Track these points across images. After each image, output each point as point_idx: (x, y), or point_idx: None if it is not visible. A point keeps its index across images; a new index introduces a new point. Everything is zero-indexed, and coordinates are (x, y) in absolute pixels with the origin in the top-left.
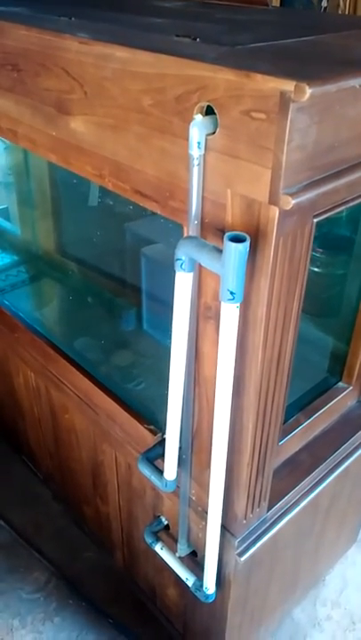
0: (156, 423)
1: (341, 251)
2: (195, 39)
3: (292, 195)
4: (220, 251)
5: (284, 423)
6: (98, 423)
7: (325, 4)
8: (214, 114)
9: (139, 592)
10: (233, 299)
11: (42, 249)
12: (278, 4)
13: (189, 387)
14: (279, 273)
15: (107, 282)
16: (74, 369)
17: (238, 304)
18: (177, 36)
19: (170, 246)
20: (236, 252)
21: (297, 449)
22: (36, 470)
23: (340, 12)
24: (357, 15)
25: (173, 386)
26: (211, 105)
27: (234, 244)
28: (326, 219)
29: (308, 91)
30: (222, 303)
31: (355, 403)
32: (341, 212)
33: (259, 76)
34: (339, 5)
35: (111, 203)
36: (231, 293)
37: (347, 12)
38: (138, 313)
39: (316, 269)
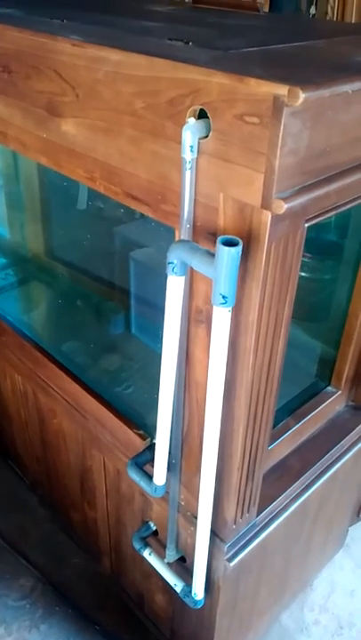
0: (145, 428)
1: (329, 256)
2: (187, 43)
3: (285, 199)
4: (212, 254)
5: (273, 427)
6: (86, 428)
7: (314, 12)
8: (207, 117)
9: (126, 598)
10: (225, 303)
11: (30, 252)
12: (268, 11)
13: (180, 391)
14: (271, 277)
15: (95, 285)
16: (62, 373)
17: (230, 308)
18: (170, 39)
19: (159, 250)
20: (228, 256)
21: (286, 453)
22: (22, 475)
23: (328, 17)
24: (346, 22)
25: (164, 390)
26: (204, 108)
27: (227, 248)
28: (316, 224)
29: (302, 95)
30: (214, 307)
31: (343, 407)
32: (330, 217)
33: (252, 81)
34: (327, 13)
35: (100, 206)
36: (223, 297)
37: (335, 19)
38: (126, 317)
39: (304, 274)
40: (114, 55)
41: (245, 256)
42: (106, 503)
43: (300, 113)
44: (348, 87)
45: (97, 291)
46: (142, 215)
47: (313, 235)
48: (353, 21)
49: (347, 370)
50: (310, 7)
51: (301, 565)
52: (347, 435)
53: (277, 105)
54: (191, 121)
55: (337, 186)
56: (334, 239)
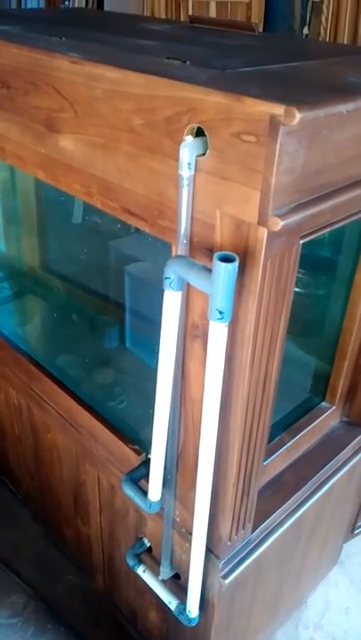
0: (140, 442)
1: (322, 271)
2: (185, 62)
3: (281, 216)
4: (209, 270)
5: (268, 443)
6: (80, 442)
7: (307, 32)
8: (205, 135)
9: (119, 616)
10: (222, 318)
11: (25, 265)
12: (262, 31)
13: (175, 406)
14: (267, 293)
15: (90, 299)
16: (57, 387)
17: (227, 323)
18: (167, 58)
19: (154, 264)
20: (225, 272)
21: (281, 469)
22: (15, 490)
23: (320, 39)
24: (339, 43)
25: (159, 405)
26: (201, 127)
27: (223, 264)
28: (310, 240)
29: (298, 115)
30: (211, 322)
31: (337, 422)
32: (324, 233)
33: (249, 100)
34: (320, 34)
35: (96, 220)
36: (220, 313)
37: (328, 40)
38: (121, 330)
39: (297, 289)
40: (112, 73)
41: (242, 272)
42: (99, 519)
43: (297, 132)
44: (342, 107)
45: (92, 304)
46: (137, 229)
47: (307, 251)
48: (345, 42)
49: (341, 385)
50: (303, 27)
51: (296, 582)
52: (341, 450)
53: (274, 124)
54: (189, 139)
55: (332, 204)
56: (328, 255)
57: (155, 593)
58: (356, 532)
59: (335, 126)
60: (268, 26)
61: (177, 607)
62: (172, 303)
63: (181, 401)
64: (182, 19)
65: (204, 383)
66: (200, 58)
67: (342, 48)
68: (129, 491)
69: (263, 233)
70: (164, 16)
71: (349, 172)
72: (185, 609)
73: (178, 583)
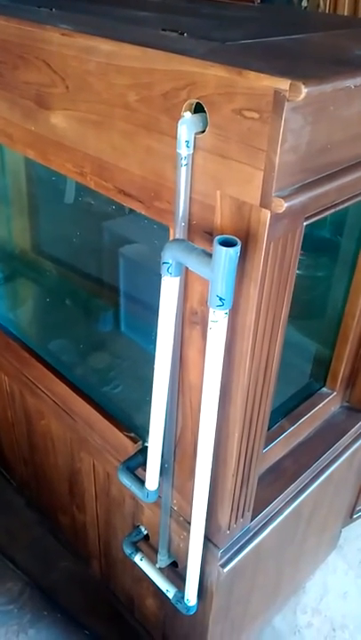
0: (135, 430)
1: (323, 253)
2: (182, 34)
3: (285, 198)
4: (208, 254)
5: (268, 430)
6: (75, 430)
7: (306, 4)
8: (204, 112)
9: (116, 602)
10: (222, 305)
11: (16, 247)
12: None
13: (173, 394)
14: (269, 278)
15: (84, 282)
16: (50, 373)
17: (227, 310)
18: (163, 30)
19: (150, 246)
20: (226, 257)
21: (281, 456)
22: (9, 477)
23: (320, 10)
24: (341, 15)
25: (157, 393)
26: (200, 102)
27: (225, 249)
28: (314, 222)
29: (304, 90)
30: (211, 309)
31: (338, 408)
32: (328, 215)
33: (252, 74)
34: (319, 6)
35: (89, 200)
36: (220, 299)
37: (327, 11)
38: (116, 314)
39: (297, 271)
40: (105, 45)
41: (243, 256)
42: (95, 506)
43: (302, 108)
44: (350, 82)
45: (86, 288)
46: (132, 210)
47: (307, 231)
48: (345, 14)
49: (342, 370)
50: (302, 0)
51: (294, 568)
52: (342, 436)
53: (278, 100)
54: (187, 115)
55: (338, 184)
56: (328, 236)
57: (152, 581)
58: (355, 516)
59: (342, 102)
60: None
61: (175, 595)
62: (169, 289)
63: (179, 388)
64: None
65: (204, 371)
66: (198, 30)
67: (346, 20)
68: (125, 480)
69: (266, 215)
70: None
71: (357, 150)
72: (183, 597)
73: (175, 571)
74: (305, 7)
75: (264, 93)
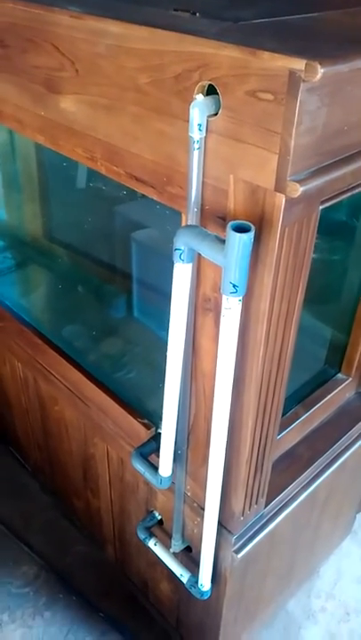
0: (149, 415)
1: (337, 236)
2: (194, 14)
3: (300, 182)
4: (222, 241)
5: (282, 416)
6: (89, 416)
7: None
8: (216, 94)
9: (130, 586)
10: (236, 292)
11: (28, 233)
12: None
13: (186, 380)
14: (283, 264)
15: (96, 268)
16: (63, 360)
17: (241, 297)
18: (175, 10)
19: (162, 231)
20: (240, 243)
21: (295, 442)
22: (23, 462)
23: None
24: None
25: (170, 380)
26: (213, 84)
27: (238, 235)
28: (330, 206)
29: (321, 70)
30: (224, 296)
31: (353, 394)
32: (344, 198)
33: (266, 54)
34: None
35: (101, 184)
36: (234, 286)
37: None
38: (128, 299)
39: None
40: (115, 27)
41: (257, 242)
42: (109, 491)
43: (318, 89)
44: None
45: (98, 273)
46: (144, 194)
47: (322, 214)
48: None
49: (358, 356)
50: None
51: (308, 553)
52: (357, 422)
53: (294, 80)
54: (199, 97)
55: (355, 167)
56: (343, 219)
57: (166, 565)
58: None
59: (359, 82)
60: None
61: (189, 580)
62: (182, 276)
63: (192, 375)
64: None
65: (217, 358)
66: (210, 9)
67: None
68: (139, 466)
69: (281, 200)
70: None
71: None
72: (197, 582)
73: (189, 556)
74: None
75: (279, 74)
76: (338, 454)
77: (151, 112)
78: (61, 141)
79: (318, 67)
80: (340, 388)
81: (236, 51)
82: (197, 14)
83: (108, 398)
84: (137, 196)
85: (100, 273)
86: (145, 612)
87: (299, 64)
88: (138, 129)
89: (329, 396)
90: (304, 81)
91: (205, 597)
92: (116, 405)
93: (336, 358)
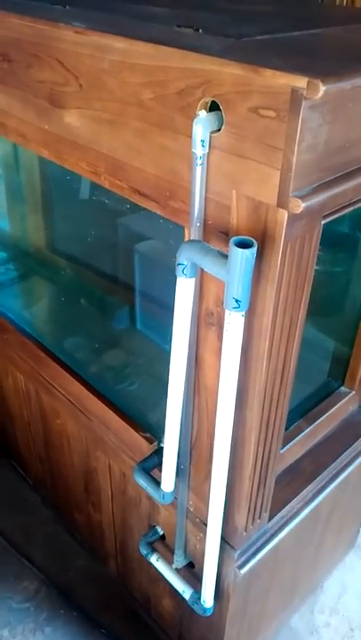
0: (151, 429)
1: (340, 248)
2: (197, 30)
3: (302, 197)
4: (225, 256)
5: (285, 430)
6: (91, 429)
7: None
8: (219, 110)
9: (132, 601)
10: (238, 307)
11: (31, 245)
12: None
13: (189, 395)
14: (286, 279)
15: (99, 279)
16: (65, 372)
17: (244, 312)
18: (178, 26)
19: (165, 243)
20: (242, 259)
21: (298, 456)
22: (25, 475)
23: (338, 2)
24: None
25: (172, 394)
26: (216, 101)
27: (241, 250)
28: (332, 220)
29: (322, 88)
30: (227, 311)
31: (357, 408)
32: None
33: (268, 72)
34: None
35: (104, 196)
36: (237, 301)
37: (345, 4)
38: (131, 311)
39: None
40: (119, 43)
41: (260, 257)
42: (111, 506)
43: (320, 106)
44: None
45: (101, 285)
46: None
47: (325, 226)
48: None
49: None
50: None
51: (312, 568)
52: (360, 436)
53: (296, 98)
54: (202, 114)
55: (357, 182)
56: (346, 231)
57: (168, 582)
58: None
59: None
60: None
61: (191, 596)
62: (185, 290)
63: (195, 390)
64: None
65: (220, 373)
66: (213, 25)
67: None
68: (141, 481)
69: (283, 215)
70: None
71: None
72: (199, 598)
73: (192, 572)
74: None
75: (281, 92)
76: (341, 468)
77: (154, 127)
78: (65, 155)
79: (320, 84)
80: (343, 401)
81: (239, 68)
82: (200, 30)
83: (110, 411)
84: (140, 208)
85: (103, 285)
86: (147, 629)
87: (301, 82)
88: (141, 144)
89: (332, 410)
90: (306, 98)
91: (208, 614)
92: (118, 419)
93: (339, 371)
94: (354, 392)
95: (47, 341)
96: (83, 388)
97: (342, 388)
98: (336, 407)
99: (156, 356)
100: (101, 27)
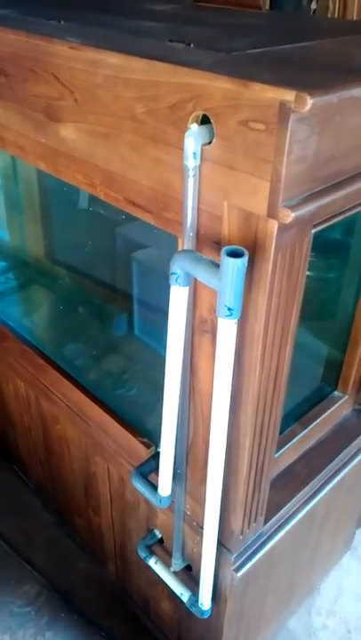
0: (148, 434)
1: (333, 254)
2: (189, 44)
3: (292, 208)
4: (216, 265)
5: (279, 434)
6: (90, 434)
7: (315, 7)
8: (210, 123)
9: (132, 604)
10: (230, 315)
11: (30, 254)
12: (268, 6)
13: (184, 401)
14: (277, 288)
15: (97, 287)
16: (64, 379)
17: (236, 320)
18: (170, 41)
19: (162, 250)
20: (234, 268)
21: (293, 460)
22: (26, 480)
23: (329, 14)
24: (350, 20)
25: (168, 400)
26: (207, 114)
27: (232, 260)
28: (323, 229)
29: (310, 101)
30: (219, 319)
31: (350, 412)
32: (337, 222)
33: (257, 85)
34: (328, 8)
35: (102, 205)
36: (229, 309)
37: (336, 15)
38: (129, 318)
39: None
40: (112, 58)
41: (251, 266)
42: (110, 509)
43: (308, 119)
44: (357, 91)
45: (99, 292)
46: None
47: (317, 233)
48: (355, 17)
49: (354, 374)
50: (311, 2)
51: (308, 570)
52: (354, 439)
53: (284, 111)
54: (194, 127)
55: (346, 192)
56: (338, 237)
57: (166, 584)
58: None
59: (349, 111)
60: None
61: (189, 599)
62: (179, 299)
63: (190, 395)
64: None
65: (214, 379)
66: (205, 40)
67: (355, 25)
68: (139, 485)
69: (273, 225)
70: None
71: None
72: (197, 601)
73: (190, 574)
74: (314, 10)
75: (269, 105)
76: (336, 471)
77: (147, 140)
78: (62, 168)
79: (308, 98)
80: (336, 405)
81: (229, 82)
82: (192, 45)
83: (108, 417)
84: (137, 217)
85: (102, 292)
86: (146, 631)
87: (289, 95)
88: (135, 156)
89: (326, 414)
90: (294, 111)
91: (206, 616)
92: (116, 424)
93: (333, 376)
94: (347, 396)
95: (46, 349)
96: (81, 394)
97: (336, 393)
98: (330, 411)
99: (154, 362)
100: (96, 42)
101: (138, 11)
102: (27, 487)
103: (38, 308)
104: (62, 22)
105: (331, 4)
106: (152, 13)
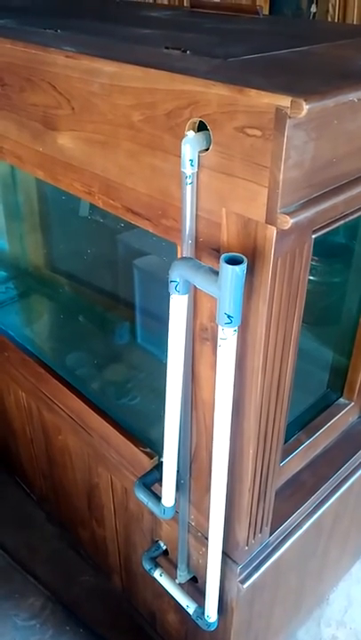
0: (151, 444)
1: (337, 258)
2: (185, 51)
3: (291, 214)
4: (216, 272)
5: (284, 443)
6: (92, 445)
7: (315, 10)
8: (207, 130)
9: (138, 616)
10: (230, 322)
11: (30, 263)
12: (267, 9)
13: (186, 410)
14: (278, 293)
15: (98, 295)
16: (66, 389)
17: (236, 328)
18: (166, 48)
19: (163, 258)
20: (233, 275)
21: (298, 469)
22: (29, 491)
23: (329, 18)
24: (349, 23)
25: (170, 409)
26: (203, 121)
27: (231, 267)
28: (324, 234)
29: (306, 107)
30: (220, 327)
31: (356, 419)
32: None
33: (253, 92)
34: (328, 11)
35: (102, 213)
36: (229, 317)
37: (336, 19)
38: (131, 326)
39: (311, 277)
40: (108, 67)
41: (251, 273)
42: (114, 521)
43: (304, 124)
44: (353, 95)
45: (100, 301)
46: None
47: (321, 237)
48: (355, 20)
49: (359, 380)
50: (311, 6)
51: (317, 580)
52: None
53: (280, 117)
54: (190, 134)
55: (346, 196)
56: (343, 241)
57: (172, 596)
58: None
59: (346, 115)
60: (274, 6)
61: (195, 611)
62: (178, 307)
63: (192, 404)
64: (185, 4)
65: (215, 387)
66: (201, 46)
67: (353, 29)
68: (142, 496)
69: (272, 232)
70: (165, 1)
71: None
72: (203, 613)
73: (195, 586)
74: (314, 14)
75: (266, 111)
76: (343, 479)
77: (145, 148)
78: (60, 176)
79: (304, 103)
80: (342, 412)
81: (224, 89)
82: (188, 52)
83: (111, 427)
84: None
85: (103, 300)
86: None
87: (285, 101)
88: (132, 164)
89: (332, 421)
90: (290, 117)
91: (212, 628)
92: (119, 434)
93: (338, 382)
94: (353, 403)
95: (48, 358)
96: (83, 404)
97: (341, 400)
98: (336, 419)
99: (157, 370)
100: (92, 50)
101: (135, 18)
102: (29, 499)
103: (39, 318)
104: (59, 31)
105: (330, 7)
106: (148, 20)
